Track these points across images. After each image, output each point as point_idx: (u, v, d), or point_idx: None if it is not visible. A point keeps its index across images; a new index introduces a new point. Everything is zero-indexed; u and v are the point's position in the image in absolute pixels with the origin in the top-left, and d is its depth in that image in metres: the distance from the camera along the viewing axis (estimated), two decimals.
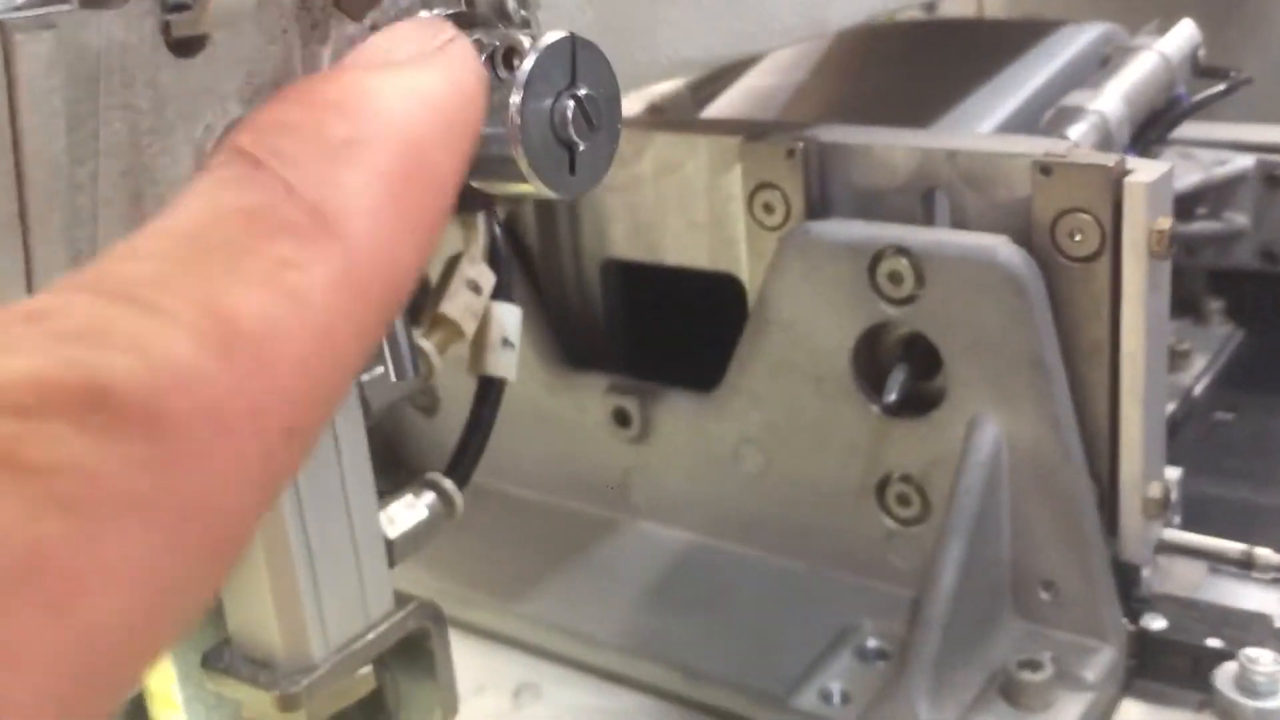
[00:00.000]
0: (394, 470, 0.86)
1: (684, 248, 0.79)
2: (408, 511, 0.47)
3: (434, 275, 0.49)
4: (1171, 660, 0.69)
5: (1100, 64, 0.92)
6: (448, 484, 0.49)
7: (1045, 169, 0.65)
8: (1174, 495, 0.72)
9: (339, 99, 0.24)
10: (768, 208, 0.73)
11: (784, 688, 0.67)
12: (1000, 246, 0.65)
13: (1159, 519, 0.70)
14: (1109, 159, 0.64)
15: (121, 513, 0.17)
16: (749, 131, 0.74)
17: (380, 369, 0.44)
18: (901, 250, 0.67)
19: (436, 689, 0.46)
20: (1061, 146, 0.68)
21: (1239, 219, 1.00)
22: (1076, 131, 0.80)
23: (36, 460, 0.17)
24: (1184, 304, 1.03)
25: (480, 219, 0.49)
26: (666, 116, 0.90)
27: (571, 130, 0.36)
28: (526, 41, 0.36)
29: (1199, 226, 0.98)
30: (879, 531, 0.73)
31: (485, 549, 0.82)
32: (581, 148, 0.36)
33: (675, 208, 0.78)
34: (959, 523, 0.67)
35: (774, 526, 0.77)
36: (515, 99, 0.35)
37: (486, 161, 0.36)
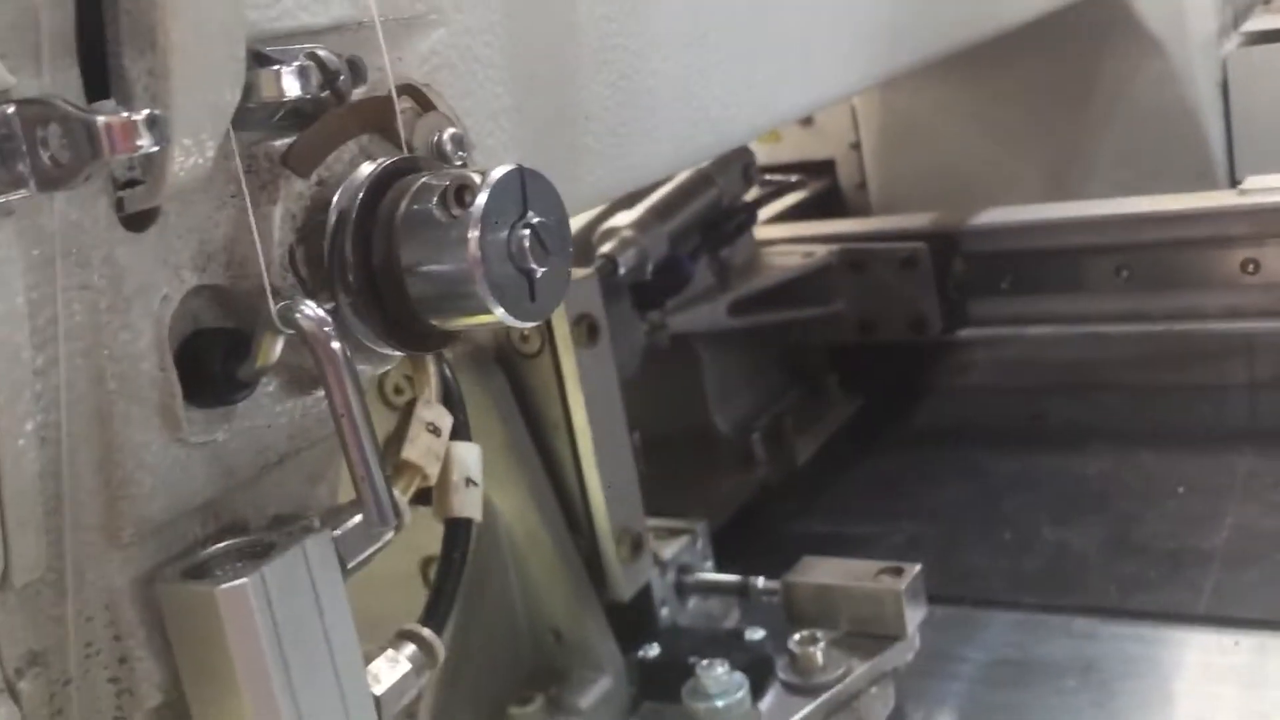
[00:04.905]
0: None
1: None
2: (390, 667, 0.46)
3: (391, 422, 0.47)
4: (664, 680, 0.78)
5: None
6: (426, 633, 0.48)
7: None
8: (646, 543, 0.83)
9: None
10: None
11: None
12: None
13: (635, 563, 0.81)
14: None
15: None
16: None
17: (351, 524, 0.42)
18: None
19: None
20: None
21: (838, 302, 1.14)
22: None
23: None
24: (807, 379, 1.16)
25: (430, 361, 0.48)
26: None
27: (530, 258, 0.37)
28: (477, 177, 0.36)
29: (809, 312, 1.12)
30: None
31: None
32: (539, 274, 0.38)
33: None
34: None
35: None
36: (473, 233, 0.35)
37: (447, 298, 0.37)
